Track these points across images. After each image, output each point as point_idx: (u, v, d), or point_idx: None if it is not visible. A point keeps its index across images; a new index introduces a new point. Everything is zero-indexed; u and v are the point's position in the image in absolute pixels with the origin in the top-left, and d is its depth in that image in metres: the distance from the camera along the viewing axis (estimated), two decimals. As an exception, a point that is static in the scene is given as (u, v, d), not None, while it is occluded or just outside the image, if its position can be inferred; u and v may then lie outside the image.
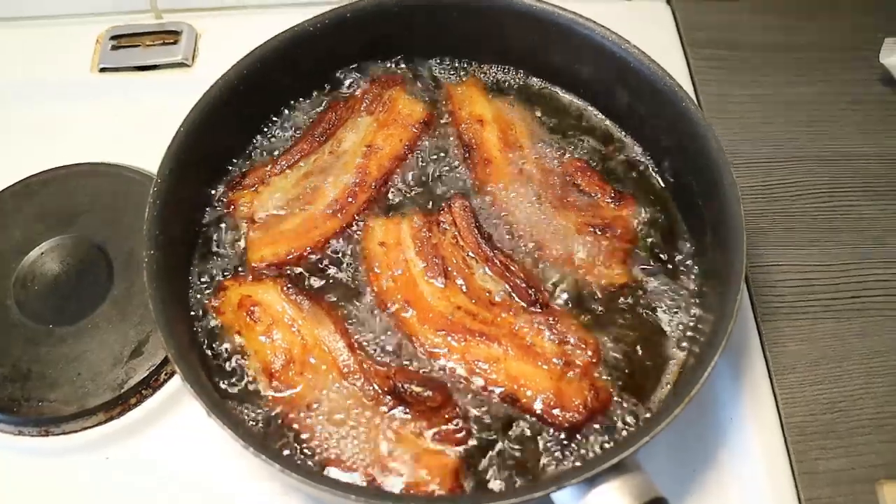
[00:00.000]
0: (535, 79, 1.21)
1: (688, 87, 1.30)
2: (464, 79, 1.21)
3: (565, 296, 1.02)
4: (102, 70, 1.39)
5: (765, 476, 1.02)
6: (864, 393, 1.08)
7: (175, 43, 1.40)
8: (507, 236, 1.06)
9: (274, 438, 0.92)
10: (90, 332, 1.10)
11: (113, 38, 1.41)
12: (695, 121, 1.01)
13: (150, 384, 1.08)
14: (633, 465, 0.81)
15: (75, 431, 1.05)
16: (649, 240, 1.07)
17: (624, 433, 0.93)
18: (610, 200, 1.09)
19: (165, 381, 1.09)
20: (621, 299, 1.02)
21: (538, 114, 1.18)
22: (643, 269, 1.05)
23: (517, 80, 1.21)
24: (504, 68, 1.22)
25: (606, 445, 0.91)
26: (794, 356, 1.11)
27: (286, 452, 0.91)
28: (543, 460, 0.91)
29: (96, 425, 1.06)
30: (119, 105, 1.34)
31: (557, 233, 1.06)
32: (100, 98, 1.36)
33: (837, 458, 1.04)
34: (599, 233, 1.05)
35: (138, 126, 1.30)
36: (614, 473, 0.80)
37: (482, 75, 1.21)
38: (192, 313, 1.01)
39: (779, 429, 1.06)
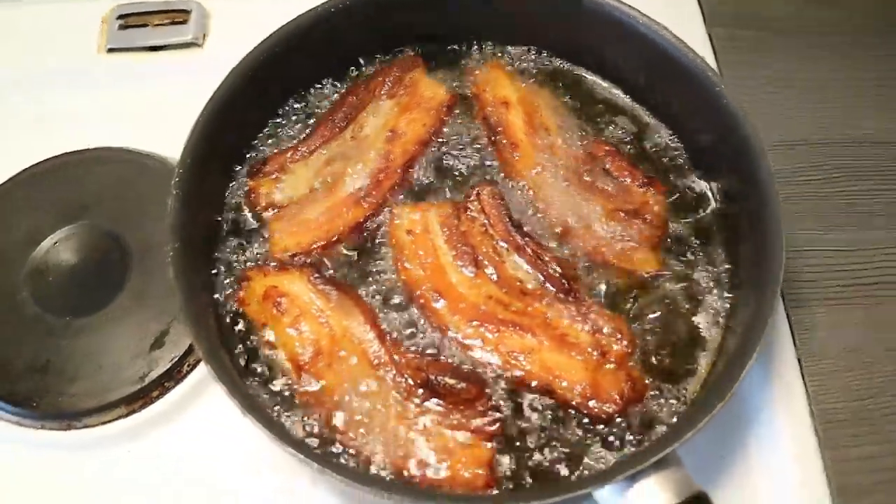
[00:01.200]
0: (561, 61, 1.18)
1: (711, 66, 1.27)
2: (489, 61, 1.18)
3: (597, 284, 1.01)
4: (110, 51, 1.35)
5: (794, 463, 1.01)
6: (893, 380, 1.08)
7: (184, 22, 1.36)
8: (536, 223, 1.05)
9: (305, 432, 0.91)
10: (109, 324, 1.08)
11: (119, 17, 1.37)
12: (729, 106, 0.99)
13: (173, 376, 1.06)
14: (674, 460, 0.81)
15: (96, 425, 1.04)
16: (680, 227, 1.06)
17: (661, 424, 0.92)
18: (640, 185, 1.06)
19: (188, 372, 1.07)
20: (654, 287, 1.01)
21: (565, 97, 1.15)
22: (675, 256, 1.03)
23: (543, 63, 1.18)
24: (529, 50, 1.18)
25: (644, 437, 0.91)
26: (823, 343, 1.10)
27: (320, 447, 0.90)
28: (581, 452, 0.90)
29: (118, 419, 1.04)
30: (129, 87, 1.31)
31: (586, 218, 1.04)
32: (108, 80, 1.32)
33: (869, 446, 1.04)
34: (629, 219, 1.04)
35: (149, 109, 1.27)
36: (655, 469, 0.79)
37: (507, 59, 1.19)
38: (218, 306, 0.99)
39: (808, 416, 1.05)
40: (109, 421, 1.04)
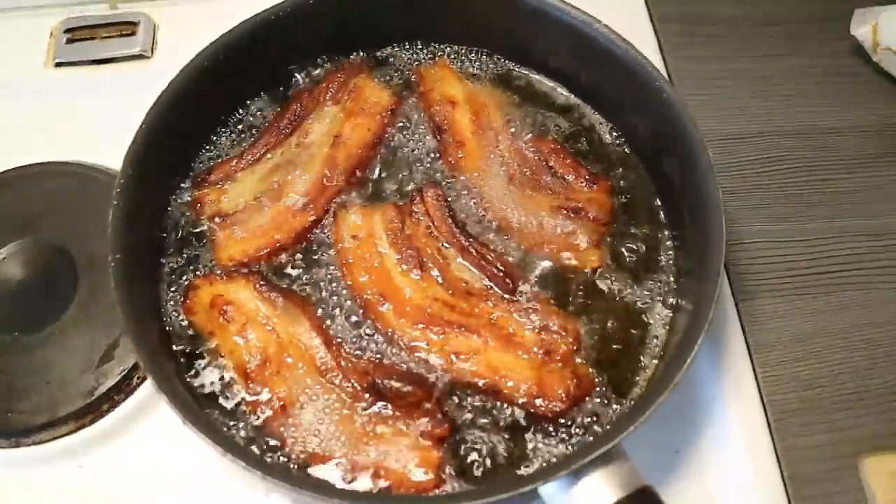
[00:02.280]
0: (506, 61, 1.18)
1: (657, 62, 1.29)
2: (436, 61, 1.18)
3: (542, 282, 1.01)
4: (58, 65, 1.34)
5: (747, 454, 1.02)
6: (843, 368, 1.09)
7: (132, 34, 1.35)
8: (480, 222, 1.05)
9: (253, 441, 0.91)
10: (57, 339, 1.07)
11: (67, 30, 1.36)
12: (669, 100, 0.99)
13: (122, 389, 1.05)
14: (619, 454, 0.80)
15: (46, 441, 1.03)
16: (624, 223, 1.06)
17: (608, 419, 0.92)
18: (584, 183, 1.07)
19: (138, 385, 1.06)
20: (598, 283, 1.01)
21: (511, 96, 1.16)
22: (620, 252, 1.04)
23: (490, 63, 1.18)
24: (474, 51, 1.19)
25: (591, 433, 0.91)
26: (773, 334, 1.11)
27: (267, 455, 0.90)
28: (528, 451, 0.90)
29: (68, 434, 1.03)
30: (77, 100, 1.29)
31: (530, 216, 1.04)
32: (57, 94, 1.31)
33: (819, 434, 1.04)
34: (573, 216, 1.04)
35: (98, 122, 1.26)
36: (600, 464, 0.79)
37: (452, 59, 1.19)
38: (163, 316, 0.99)
39: (760, 407, 1.05)
40: (59, 437, 1.03)
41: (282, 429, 0.91)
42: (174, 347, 0.96)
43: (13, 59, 1.35)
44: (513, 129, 1.12)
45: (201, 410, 0.91)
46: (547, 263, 1.02)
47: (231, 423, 0.92)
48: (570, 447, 0.90)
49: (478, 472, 0.89)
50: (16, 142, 1.26)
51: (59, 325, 1.08)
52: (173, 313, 0.99)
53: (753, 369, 1.08)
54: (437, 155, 1.10)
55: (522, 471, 0.89)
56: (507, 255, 1.02)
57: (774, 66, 1.36)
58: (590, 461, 0.78)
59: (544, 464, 0.89)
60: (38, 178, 1.20)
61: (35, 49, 1.36)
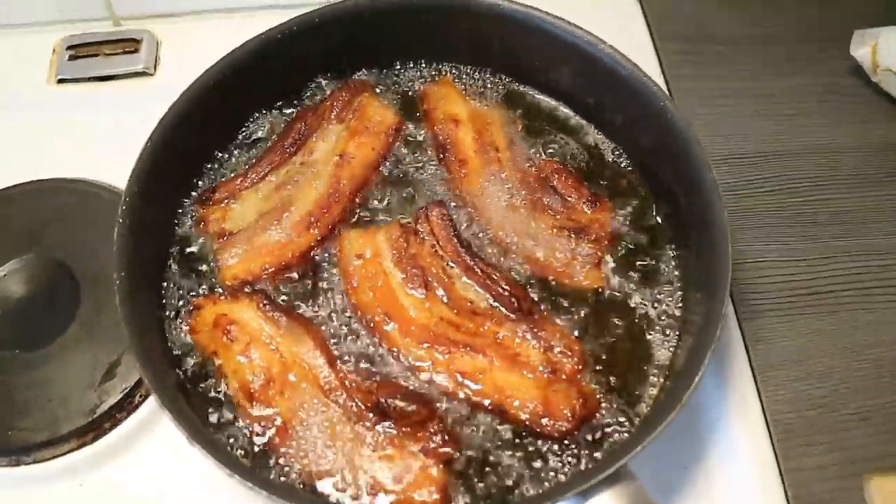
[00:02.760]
0: (511, 80, 1.18)
1: (659, 81, 1.29)
2: (438, 79, 1.18)
3: (546, 301, 1.01)
4: (60, 81, 1.34)
5: (752, 474, 1.02)
6: (847, 388, 1.08)
7: (135, 51, 1.35)
8: (482, 241, 1.05)
9: (258, 461, 0.90)
10: (59, 356, 1.06)
11: (70, 47, 1.36)
12: (674, 120, 1.00)
13: (125, 407, 1.04)
14: (626, 474, 0.81)
15: (47, 460, 1.02)
16: (628, 242, 1.06)
17: (615, 439, 0.92)
18: (585, 203, 1.07)
19: (140, 403, 1.05)
20: (602, 302, 1.01)
21: (515, 115, 1.16)
22: (624, 272, 1.04)
23: (493, 81, 1.19)
24: (479, 70, 1.19)
25: (598, 453, 0.91)
26: (776, 353, 1.11)
27: (271, 475, 0.89)
28: (534, 472, 0.90)
29: (69, 452, 1.02)
30: (79, 117, 1.29)
31: (531, 237, 1.05)
32: (59, 111, 1.31)
33: (823, 454, 1.04)
34: (574, 236, 1.04)
35: (100, 139, 1.26)
36: (607, 485, 0.79)
37: (456, 77, 1.19)
38: (167, 334, 0.98)
39: (764, 427, 1.05)
40: (60, 455, 1.02)
41: (285, 448, 0.90)
42: (178, 367, 0.96)
43: (15, 76, 1.35)
44: (517, 149, 1.12)
45: (205, 429, 0.90)
46: (548, 282, 1.02)
47: (234, 442, 0.91)
48: (577, 467, 0.90)
49: (483, 493, 0.89)
50: (18, 158, 1.25)
51: (61, 342, 1.07)
52: (177, 332, 0.98)
53: (757, 388, 1.08)
54: (442, 175, 1.10)
55: (529, 492, 0.88)
56: (510, 275, 1.02)
57: (775, 85, 1.37)
58: (597, 482, 0.77)
59: (551, 485, 0.88)
60: (41, 195, 1.19)
61: (37, 66, 1.36)
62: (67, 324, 1.09)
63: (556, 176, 1.09)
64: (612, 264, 1.04)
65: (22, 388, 1.05)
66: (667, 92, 1.24)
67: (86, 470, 1.02)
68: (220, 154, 1.11)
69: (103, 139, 1.25)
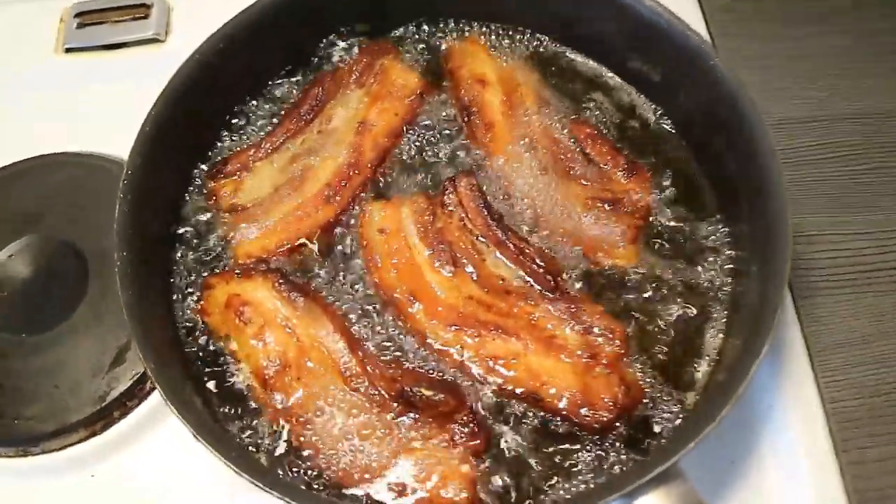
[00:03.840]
0: (543, 39, 1.10)
1: (704, 41, 1.20)
2: (464, 36, 1.10)
3: (584, 279, 0.94)
4: (68, 51, 1.29)
5: (807, 467, 0.95)
6: (913, 373, 1.00)
7: (145, 17, 1.30)
8: (509, 214, 0.98)
9: (272, 454, 0.85)
10: (66, 340, 1.02)
11: (77, 14, 1.31)
12: (724, 79, 0.91)
13: (135, 394, 0.99)
14: (676, 473, 0.74)
15: (56, 450, 0.99)
16: (670, 215, 0.98)
17: (660, 431, 0.85)
18: (621, 172, 0.99)
19: (151, 389, 1.00)
20: (644, 281, 0.94)
21: (548, 76, 1.08)
22: (664, 247, 0.96)
23: (523, 41, 1.11)
24: (508, 29, 1.11)
25: (642, 448, 0.84)
26: (835, 335, 1.03)
27: (285, 469, 0.84)
28: (574, 468, 0.83)
29: (78, 442, 0.99)
30: (88, 88, 1.25)
31: (562, 208, 0.97)
32: (67, 81, 1.27)
33: (886, 446, 0.97)
34: (608, 208, 0.97)
35: (110, 110, 1.19)
36: (655, 485, 0.72)
37: (487, 37, 1.11)
38: (176, 317, 0.93)
39: (822, 415, 0.98)
40: (69, 445, 0.99)
41: (302, 440, 0.85)
42: (187, 351, 0.91)
43: (21, 46, 1.31)
44: (548, 112, 1.04)
45: (215, 423, 0.85)
46: (582, 259, 0.95)
47: (247, 434, 0.86)
48: (620, 464, 0.83)
49: (517, 492, 0.83)
50: (24, 132, 1.21)
51: (68, 325, 1.03)
52: (187, 314, 0.93)
53: (814, 373, 1.00)
54: (470, 143, 1.03)
55: (568, 491, 0.82)
56: (544, 250, 0.95)
57: (830, 45, 1.27)
58: (645, 482, 0.71)
59: (592, 484, 0.82)
60: (48, 171, 1.15)
61: (44, 35, 1.31)
62: (75, 306, 1.04)
63: (590, 142, 1.01)
64: (652, 239, 0.96)
65: (28, 374, 1.01)
66: (713, 51, 1.16)
67: (96, 460, 0.98)
68: (232, 122, 1.06)
69: (113, 110, 1.18)
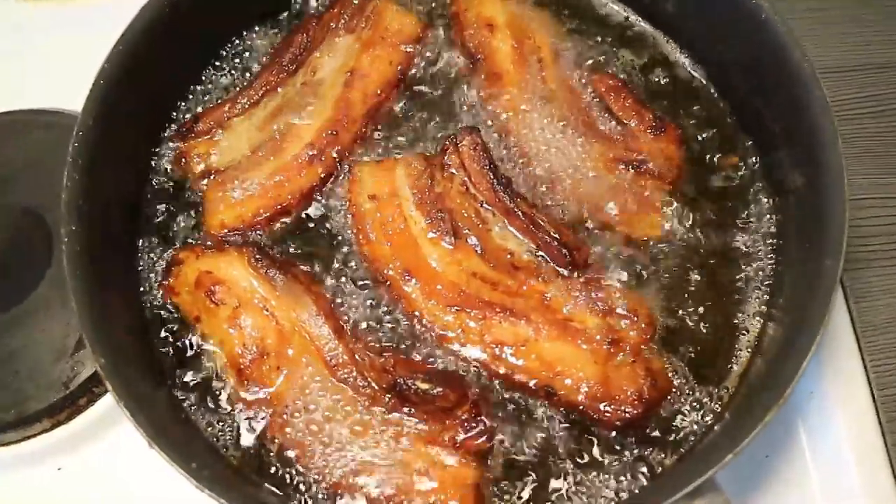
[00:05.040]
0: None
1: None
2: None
3: (603, 253, 0.86)
4: (31, -1, 1.21)
5: (854, 462, 0.90)
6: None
7: (116, -40, 1.19)
8: (520, 178, 0.90)
9: (246, 455, 0.79)
10: (26, 321, 0.98)
11: (42, -44, 1.22)
12: (769, 23, 0.82)
13: (102, 380, 0.91)
14: (710, 485, 0.67)
15: (17, 441, 0.94)
16: (703, 180, 0.90)
17: (691, 430, 0.77)
18: (649, 129, 0.91)
19: (121, 375, 0.93)
20: (673, 257, 0.87)
21: (564, 20, 0.99)
22: (694, 218, 0.88)
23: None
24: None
25: (667, 452, 0.77)
26: (885, 312, 0.98)
27: (261, 473, 0.77)
28: (593, 472, 0.76)
29: (41, 433, 0.94)
30: (50, 39, 1.18)
31: (581, 171, 0.89)
32: (28, 33, 1.19)
33: (943, 437, 0.90)
34: (633, 170, 0.89)
35: (74, 63, 1.08)
36: (688, 500, 0.65)
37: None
38: (141, 299, 0.86)
39: (870, 403, 0.92)
40: (31, 436, 0.94)
41: (283, 438, 0.78)
42: (152, 339, 0.84)
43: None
44: (565, 61, 0.96)
45: (180, 421, 0.79)
46: (604, 229, 0.87)
47: (219, 431, 0.80)
48: (647, 468, 0.76)
49: (527, 499, 0.76)
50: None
51: (29, 303, 0.99)
52: (152, 295, 0.86)
53: (861, 356, 0.94)
54: (475, 95, 0.94)
55: (587, 501, 0.75)
56: (560, 219, 0.87)
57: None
58: (678, 499, 0.64)
59: (616, 497, 0.74)
60: (8, 131, 1.09)
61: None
62: (37, 281, 0.99)
63: (613, 95, 0.93)
64: (682, 207, 0.88)
65: (-15, 359, 0.96)
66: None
67: (64, 451, 0.95)
68: (204, 75, 0.98)
69: (78, 63, 1.09)
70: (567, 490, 0.76)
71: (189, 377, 0.82)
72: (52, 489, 0.93)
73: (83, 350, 0.94)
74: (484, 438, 0.76)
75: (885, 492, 0.87)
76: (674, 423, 0.78)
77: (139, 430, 0.67)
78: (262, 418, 0.79)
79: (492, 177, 0.86)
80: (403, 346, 0.82)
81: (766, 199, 0.88)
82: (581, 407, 0.77)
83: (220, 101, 0.96)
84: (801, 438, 0.89)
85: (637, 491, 0.74)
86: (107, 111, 0.82)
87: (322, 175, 0.91)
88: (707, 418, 0.78)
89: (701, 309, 0.83)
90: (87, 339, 0.72)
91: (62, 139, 1.00)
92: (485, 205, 0.86)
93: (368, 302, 0.84)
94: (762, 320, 0.82)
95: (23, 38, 1.19)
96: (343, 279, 0.86)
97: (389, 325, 0.83)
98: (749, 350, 0.81)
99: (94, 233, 0.78)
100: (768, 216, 0.87)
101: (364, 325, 0.83)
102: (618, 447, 0.77)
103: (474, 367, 0.80)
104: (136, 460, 0.90)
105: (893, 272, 0.98)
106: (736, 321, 0.83)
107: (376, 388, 0.78)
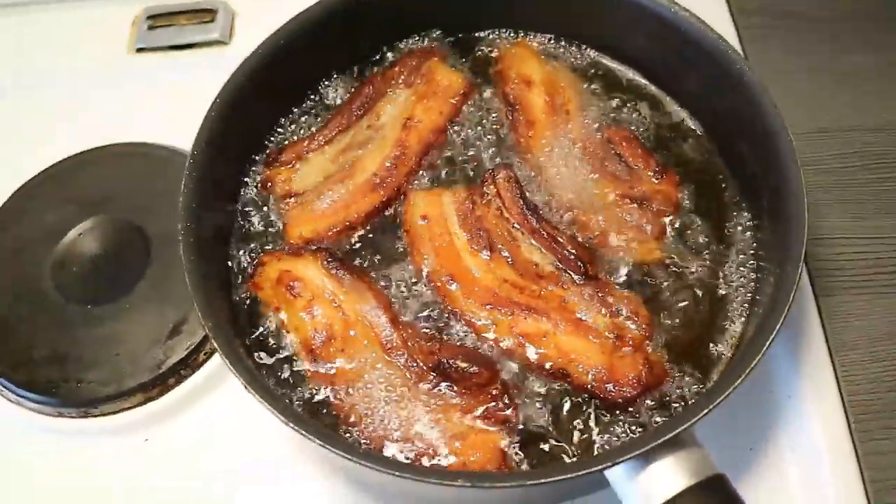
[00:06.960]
0: (586, 48, 1.16)
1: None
2: (515, 41, 1.17)
3: (613, 267, 0.99)
4: (139, 50, 1.38)
5: (826, 457, 0.98)
6: (929, 370, 1.03)
7: (211, 21, 1.39)
8: (544, 206, 1.03)
9: (315, 417, 0.90)
10: (128, 313, 1.09)
11: (149, 17, 1.40)
12: (749, 82, 0.96)
13: (189, 364, 1.06)
14: (690, 440, 0.77)
15: (114, 413, 1.05)
16: (695, 213, 1.02)
17: (679, 408, 0.89)
18: (652, 173, 1.04)
19: (205, 360, 1.07)
20: (670, 271, 0.98)
21: (589, 82, 1.13)
22: (690, 241, 1.00)
23: (568, 48, 1.16)
24: (554, 38, 1.17)
25: (661, 421, 0.88)
26: (855, 332, 1.07)
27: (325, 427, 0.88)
28: (595, 438, 0.88)
29: (135, 406, 1.05)
30: (156, 85, 1.33)
31: (595, 203, 1.02)
32: (136, 79, 1.35)
33: (903, 439, 0.99)
34: (637, 205, 1.01)
35: (175, 105, 1.26)
36: (670, 449, 0.75)
37: (533, 42, 1.17)
38: (231, 290, 0.99)
39: (840, 407, 1.01)
40: (126, 409, 1.05)
41: (345, 405, 0.90)
42: (240, 321, 0.96)
43: (96, 45, 1.39)
44: (587, 114, 1.09)
45: (264, 380, 0.90)
46: (611, 250, 0.99)
47: (294, 397, 0.91)
48: (640, 434, 0.87)
49: (543, 457, 0.87)
50: (97, 124, 1.29)
51: (130, 299, 1.10)
52: (241, 288, 0.99)
53: (834, 368, 1.04)
54: (509, 140, 1.08)
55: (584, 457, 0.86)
56: (578, 238, 1.00)
57: (859, 62, 1.32)
58: (659, 444, 0.74)
59: (609, 447, 0.86)
60: (117, 158, 1.23)
61: (118, 36, 1.40)
62: (137, 282, 1.12)
63: (625, 144, 1.06)
64: (678, 235, 1.00)
65: (92, 342, 1.07)
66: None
67: (151, 424, 1.04)
68: (288, 117, 1.11)
69: (178, 106, 1.24)
70: (570, 449, 0.87)
71: (268, 354, 0.93)
72: (139, 456, 1.02)
73: (174, 339, 1.05)
74: (510, 411, 0.87)
75: (852, 480, 0.96)
76: (667, 403, 0.88)
77: (238, 376, 0.78)
78: (327, 389, 0.90)
79: (522, 204, 0.99)
80: (446, 335, 0.93)
81: (746, 228, 0.99)
82: (590, 386, 0.88)
83: (300, 138, 1.08)
84: (781, 435, 0.98)
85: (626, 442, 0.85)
86: (214, 137, 0.96)
87: (383, 199, 1.02)
88: (694, 397, 0.88)
89: (693, 314, 0.94)
90: (198, 307, 0.83)
91: (158, 167, 1.20)
92: (515, 225, 0.98)
93: (419, 299, 0.96)
94: (743, 322, 0.93)
95: (127, 84, 1.33)
96: (398, 281, 0.97)
97: (435, 318, 0.94)
98: (731, 348, 0.91)
99: (200, 232, 0.91)
100: (749, 244, 0.98)
101: (415, 317, 0.95)
102: (619, 419, 0.88)
103: (504, 352, 0.91)
104: (213, 435, 1.02)
105: (864, 299, 1.08)
106: (721, 326, 0.93)
107: (423, 367, 0.89)
